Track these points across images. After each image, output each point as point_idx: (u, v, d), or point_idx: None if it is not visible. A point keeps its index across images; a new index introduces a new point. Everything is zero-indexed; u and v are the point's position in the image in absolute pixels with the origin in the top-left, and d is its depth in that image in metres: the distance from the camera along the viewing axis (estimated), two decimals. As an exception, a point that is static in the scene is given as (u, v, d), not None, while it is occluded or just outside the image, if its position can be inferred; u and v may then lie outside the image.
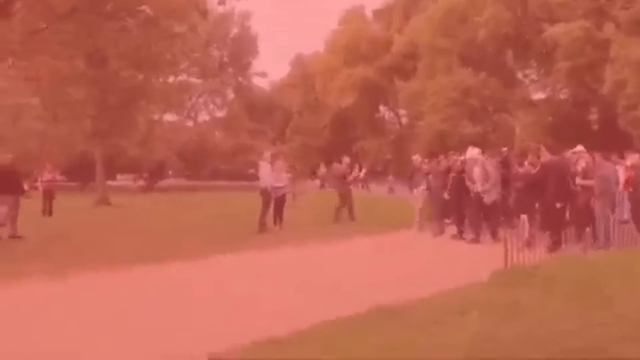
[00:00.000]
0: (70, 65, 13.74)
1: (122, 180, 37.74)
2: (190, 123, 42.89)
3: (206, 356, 3.72)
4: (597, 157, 8.61)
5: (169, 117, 38.08)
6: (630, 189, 8.91)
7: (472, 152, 9.89)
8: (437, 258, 8.02)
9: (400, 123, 42.29)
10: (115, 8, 15.15)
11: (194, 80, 37.68)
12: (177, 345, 4.14)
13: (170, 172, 42.05)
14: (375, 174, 26.97)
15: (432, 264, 7.52)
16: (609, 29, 25.40)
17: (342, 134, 40.89)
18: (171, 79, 27.76)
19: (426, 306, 4.80)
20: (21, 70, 13.49)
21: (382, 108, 42.80)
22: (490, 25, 30.21)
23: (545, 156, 8.56)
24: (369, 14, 43.57)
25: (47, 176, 16.47)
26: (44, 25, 13.41)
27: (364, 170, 16.23)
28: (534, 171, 8.55)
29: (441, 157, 11.54)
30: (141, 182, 35.54)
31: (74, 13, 12.97)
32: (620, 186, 9.11)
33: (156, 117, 32.41)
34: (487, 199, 9.14)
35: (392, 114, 43.39)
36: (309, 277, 6.58)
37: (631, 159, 9.41)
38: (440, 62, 32.69)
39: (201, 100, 42.37)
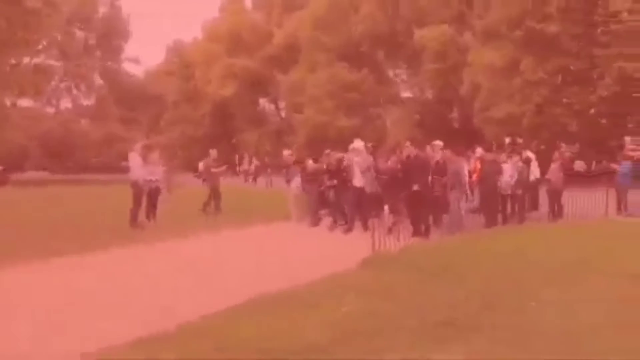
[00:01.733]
0: None
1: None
2: (51, 110, 38.98)
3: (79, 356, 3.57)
4: (448, 153, 9.52)
5: (25, 102, 34.27)
6: (477, 179, 10.20)
7: (358, 143, 10.24)
8: (311, 247, 8.18)
9: (280, 115, 42.56)
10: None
11: (53, 62, 34.18)
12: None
13: (29, 164, 37.86)
14: (264, 167, 26.84)
15: (306, 253, 7.65)
16: (467, 35, 27.97)
17: (222, 125, 40.01)
18: (26, 61, 24.84)
19: (304, 292, 4.92)
20: None
21: (262, 100, 42.69)
22: (365, 23, 31.62)
23: (409, 151, 9.22)
24: (248, 3, 43.14)
25: None
26: None
27: (254, 163, 16.11)
28: (398, 165, 9.13)
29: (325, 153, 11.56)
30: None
31: None
32: (468, 177, 10.17)
33: (8, 102, 28.92)
34: (369, 189, 9.52)
35: (272, 106, 43.50)
36: (180, 272, 6.33)
37: (478, 152, 11.12)
38: (320, 57, 33.48)
39: (62, 85, 38.68)
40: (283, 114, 41.64)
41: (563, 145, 14.38)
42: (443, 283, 5.18)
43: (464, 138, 29.49)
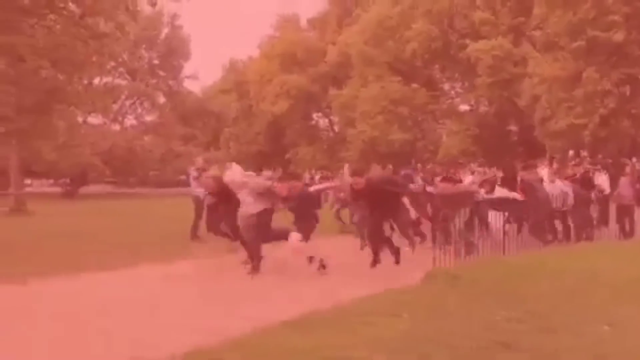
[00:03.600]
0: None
1: (39, 186, 35.44)
2: (116, 127, 41.06)
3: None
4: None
5: (94, 120, 36.31)
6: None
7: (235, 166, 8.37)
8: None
9: (333, 130, 42.90)
10: (36, 3, 14.28)
11: (120, 82, 36.13)
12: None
13: (95, 179, 39.97)
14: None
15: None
16: (525, 47, 27.26)
17: (276, 141, 40.80)
18: (96, 81, 26.44)
19: (356, 308, 4.91)
20: None
21: (315, 115, 43.24)
22: (419, 39, 31.51)
23: (374, 172, 8.87)
24: (303, 21, 44.05)
25: None
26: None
27: (317, 178, 15.72)
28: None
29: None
30: (61, 189, 33.56)
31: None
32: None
33: (79, 119, 30.75)
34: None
35: (326, 121, 43.95)
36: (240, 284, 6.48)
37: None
38: (371, 72, 33.61)
39: (128, 103, 40.74)
40: (336, 129, 41.95)
41: (634, 158, 13.68)
42: (501, 302, 5.01)
43: (523, 151, 28.65)
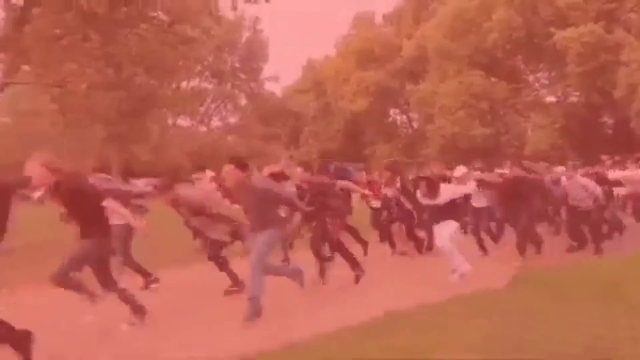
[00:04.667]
0: (95, 72, 14.08)
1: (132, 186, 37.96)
2: (203, 128, 43.31)
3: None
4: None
5: (182, 122, 38.58)
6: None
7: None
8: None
9: (411, 126, 42.33)
10: (129, 14, 15.47)
11: (206, 85, 38.06)
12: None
13: (182, 177, 42.31)
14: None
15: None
16: (619, 32, 25.32)
17: (354, 139, 40.98)
18: (184, 84, 28.05)
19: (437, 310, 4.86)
20: (40, 77, 13.83)
21: (392, 112, 42.88)
22: (501, 29, 30.26)
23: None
24: (378, 18, 43.86)
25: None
26: (58, 33, 13.76)
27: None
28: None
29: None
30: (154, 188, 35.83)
31: (91, 21, 13.30)
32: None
33: (170, 122, 32.83)
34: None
35: (403, 118, 43.45)
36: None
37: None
38: (450, 66, 32.77)
39: (213, 105, 42.80)
40: (415, 126, 41.35)
41: None
42: (593, 306, 4.73)
43: (619, 144, 26.62)
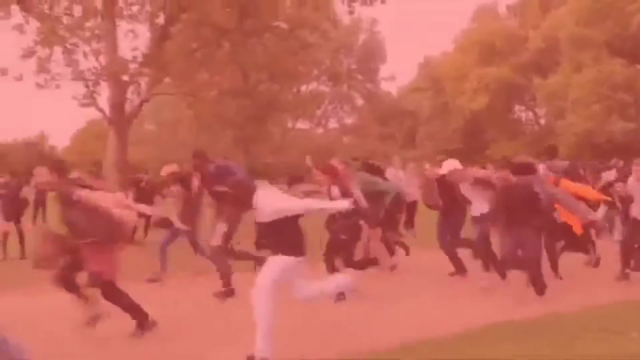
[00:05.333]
0: (227, 80, 15.29)
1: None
2: (320, 130, 44.47)
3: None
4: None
5: (300, 124, 39.98)
6: None
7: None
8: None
9: (538, 123, 39.56)
10: (254, 26, 16.48)
11: (323, 88, 39.03)
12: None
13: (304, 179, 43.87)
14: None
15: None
16: None
17: (474, 138, 39.33)
18: (303, 88, 29.11)
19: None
20: (179, 88, 15.29)
21: (517, 108, 40.39)
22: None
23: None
24: (501, 9, 41.59)
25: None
26: (194, 46, 15.09)
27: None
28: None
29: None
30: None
31: (224, 34, 14.44)
32: None
33: (290, 125, 34.27)
34: None
35: (528, 114, 40.76)
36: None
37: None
38: (585, 55, 30.02)
39: (330, 107, 43.75)
40: (542, 122, 38.59)
41: None
42: None
43: None
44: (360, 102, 44.59)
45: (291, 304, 4.27)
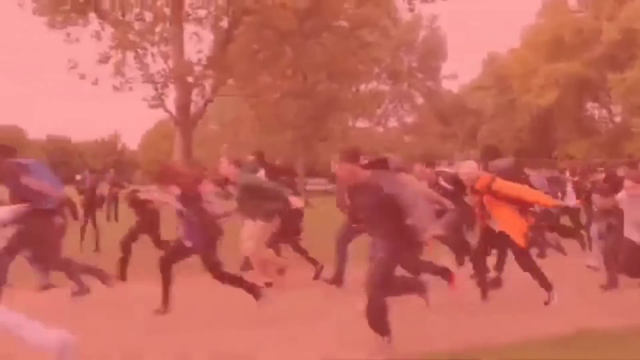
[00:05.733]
0: (288, 83, 15.59)
1: (314, 184, 40.49)
2: (380, 129, 44.16)
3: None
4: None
5: (360, 123, 39.86)
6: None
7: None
8: None
9: (613, 121, 37.28)
10: (314, 26, 16.64)
11: (383, 87, 38.73)
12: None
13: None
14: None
15: None
16: None
17: (542, 137, 37.65)
18: (363, 87, 29.00)
19: None
20: (242, 89, 15.71)
21: (590, 105, 38.24)
22: None
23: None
24: (571, 2, 39.49)
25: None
26: (256, 48, 15.44)
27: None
28: None
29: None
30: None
31: (285, 36, 14.70)
32: None
33: (350, 124, 34.28)
34: None
35: (602, 112, 38.49)
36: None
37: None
38: (666, 48, 28.02)
39: (391, 106, 43.32)
40: (617, 120, 36.35)
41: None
42: None
43: None
44: (420, 100, 43.89)
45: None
